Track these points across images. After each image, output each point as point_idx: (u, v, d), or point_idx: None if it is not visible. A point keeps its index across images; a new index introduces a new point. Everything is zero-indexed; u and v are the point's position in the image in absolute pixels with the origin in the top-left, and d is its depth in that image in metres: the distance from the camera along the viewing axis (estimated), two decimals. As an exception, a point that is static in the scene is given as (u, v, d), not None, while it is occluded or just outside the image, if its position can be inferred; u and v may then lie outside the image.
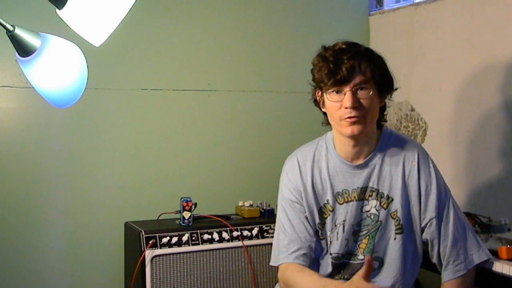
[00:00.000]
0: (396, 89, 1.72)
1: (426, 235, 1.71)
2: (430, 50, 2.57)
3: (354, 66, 1.58)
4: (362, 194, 1.70)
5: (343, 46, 1.62)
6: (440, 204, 1.69)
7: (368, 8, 2.95)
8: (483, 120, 2.32)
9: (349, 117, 1.59)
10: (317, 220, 1.73)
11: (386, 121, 1.76)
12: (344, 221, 1.71)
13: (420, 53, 2.62)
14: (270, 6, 2.73)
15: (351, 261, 1.74)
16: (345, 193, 1.71)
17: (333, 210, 1.72)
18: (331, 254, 1.74)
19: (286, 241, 1.72)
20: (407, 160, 1.71)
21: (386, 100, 1.73)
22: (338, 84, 1.59)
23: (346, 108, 1.59)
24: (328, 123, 1.73)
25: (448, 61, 2.47)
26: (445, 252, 1.68)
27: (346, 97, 1.58)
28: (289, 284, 1.67)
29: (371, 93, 1.60)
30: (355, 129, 1.60)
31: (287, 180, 1.77)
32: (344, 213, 1.71)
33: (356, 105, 1.58)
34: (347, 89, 1.59)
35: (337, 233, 1.72)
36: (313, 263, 1.75)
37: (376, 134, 1.73)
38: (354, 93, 1.59)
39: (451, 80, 2.46)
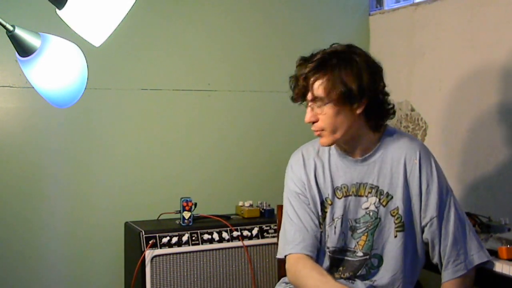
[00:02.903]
0: (373, 97, 1.64)
1: (427, 234, 1.71)
2: (430, 50, 2.57)
3: (308, 84, 1.63)
4: (361, 190, 1.71)
5: (303, 62, 1.67)
6: (441, 203, 1.69)
7: (368, 8, 2.95)
8: (483, 120, 2.32)
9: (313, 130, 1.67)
10: (320, 213, 1.75)
11: (382, 124, 1.73)
12: (342, 215, 1.72)
13: (420, 53, 2.62)
14: (270, 6, 2.73)
15: (349, 258, 1.74)
16: (344, 187, 1.72)
17: (332, 204, 1.73)
18: (328, 248, 1.75)
19: (293, 232, 1.73)
20: (409, 158, 1.71)
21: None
22: (299, 98, 1.67)
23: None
24: None
25: (448, 61, 2.48)
26: (445, 252, 1.68)
27: (306, 112, 1.66)
28: (298, 277, 1.67)
29: (324, 110, 1.62)
30: (322, 141, 1.67)
31: (292, 172, 1.80)
32: (342, 207, 1.72)
33: (312, 120, 1.64)
34: (308, 104, 1.66)
35: (335, 227, 1.73)
36: (318, 254, 1.76)
37: (376, 133, 1.73)
38: (312, 109, 1.65)
39: (451, 80, 2.46)
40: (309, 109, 1.65)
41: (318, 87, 1.61)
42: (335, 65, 1.61)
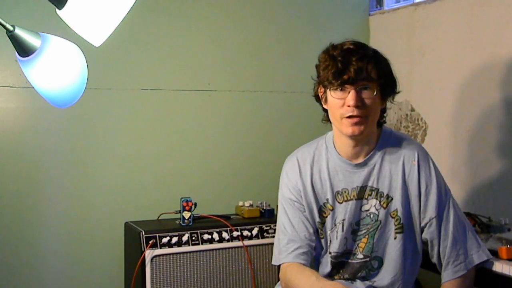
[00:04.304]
0: (399, 92, 1.72)
1: (426, 235, 1.71)
2: (430, 50, 2.57)
3: (362, 68, 1.58)
4: (362, 193, 1.70)
5: (352, 47, 1.61)
6: (440, 204, 1.69)
7: (368, 8, 2.95)
8: (483, 120, 2.32)
9: (350, 116, 1.60)
10: (317, 219, 1.74)
11: (385, 122, 1.76)
12: (343, 220, 1.71)
13: (420, 53, 2.62)
14: (270, 6, 2.73)
15: (350, 260, 1.74)
16: (345, 192, 1.71)
17: (332, 209, 1.72)
18: (330, 253, 1.74)
19: (285, 241, 1.72)
20: (407, 160, 1.71)
21: (387, 103, 1.73)
22: (344, 83, 1.60)
23: (349, 106, 1.59)
24: (328, 120, 1.73)
25: (448, 61, 2.48)
26: (445, 252, 1.68)
27: (350, 96, 1.58)
28: (290, 284, 1.67)
29: (374, 93, 1.61)
30: (356, 129, 1.61)
31: (287, 179, 1.78)
32: (344, 212, 1.71)
33: (359, 104, 1.59)
34: (351, 88, 1.59)
35: (337, 232, 1.72)
36: (314, 261, 1.75)
37: (376, 133, 1.73)
38: (358, 92, 1.59)
39: (451, 80, 2.46)
40: (353, 92, 1.58)
41: (371, 70, 1.59)
42: (384, 58, 1.67)
